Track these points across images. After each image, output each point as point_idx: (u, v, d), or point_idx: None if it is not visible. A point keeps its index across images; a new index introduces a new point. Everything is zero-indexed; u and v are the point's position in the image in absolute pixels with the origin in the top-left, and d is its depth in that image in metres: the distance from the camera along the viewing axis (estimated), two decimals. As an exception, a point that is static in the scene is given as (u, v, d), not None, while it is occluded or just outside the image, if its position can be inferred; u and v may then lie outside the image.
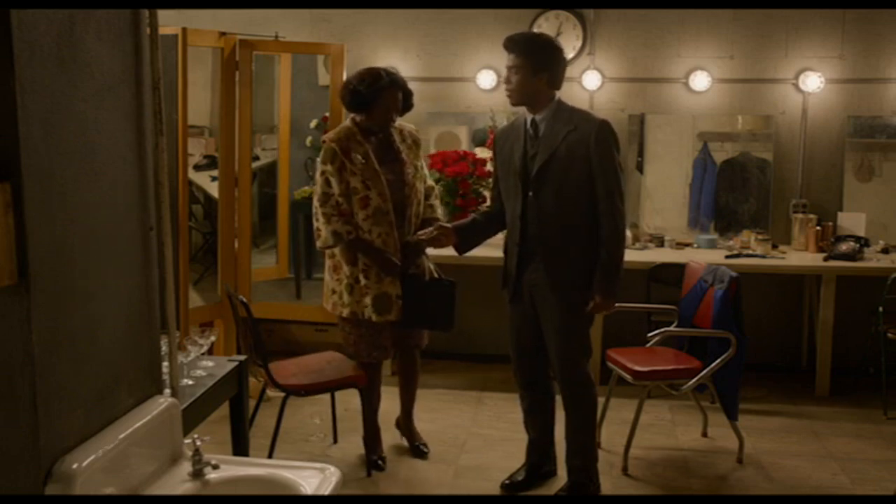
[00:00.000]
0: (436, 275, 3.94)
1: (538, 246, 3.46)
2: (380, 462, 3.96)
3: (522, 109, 3.50)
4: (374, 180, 3.67)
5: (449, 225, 3.69)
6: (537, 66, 3.36)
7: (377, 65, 3.89)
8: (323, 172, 3.71)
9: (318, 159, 3.77)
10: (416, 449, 4.07)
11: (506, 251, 3.64)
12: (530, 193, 3.43)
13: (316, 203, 3.74)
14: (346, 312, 3.80)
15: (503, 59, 3.46)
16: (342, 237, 3.68)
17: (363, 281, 3.74)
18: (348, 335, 3.88)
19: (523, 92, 3.39)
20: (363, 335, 3.83)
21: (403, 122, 3.92)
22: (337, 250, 3.79)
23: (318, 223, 3.73)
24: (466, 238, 3.69)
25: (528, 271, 3.52)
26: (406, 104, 3.79)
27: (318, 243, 3.76)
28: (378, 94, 3.66)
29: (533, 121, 3.45)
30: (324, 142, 3.76)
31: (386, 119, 3.72)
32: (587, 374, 3.55)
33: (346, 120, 3.82)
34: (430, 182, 4.02)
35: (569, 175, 3.37)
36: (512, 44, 3.41)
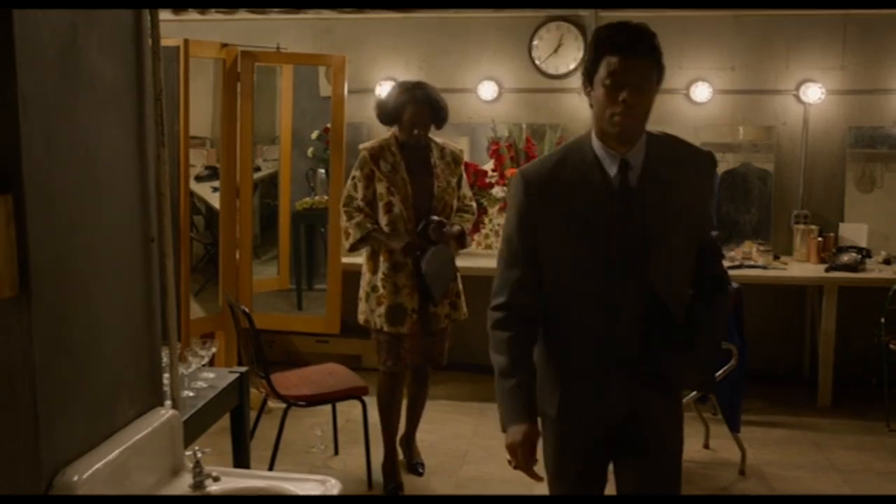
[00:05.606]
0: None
1: (648, 336, 2.18)
2: (398, 491, 3.82)
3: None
4: (398, 188, 3.72)
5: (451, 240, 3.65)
6: (661, 75, 2.20)
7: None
8: (353, 177, 3.81)
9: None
10: (413, 467, 4.05)
11: (565, 364, 2.25)
12: (640, 266, 2.16)
13: (341, 206, 3.84)
14: (361, 319, 3.87)
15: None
16: (365, 227, 3.72)
17: (380, 290, 3.76)
18: (372, 341, 3.90)
19: (647, 117, 2.23)
20: (381, 343, 3.83)
21: (448, 142, 3.95)
22: (363, 257, 3.83)
23: (343, 222, 3.79)
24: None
25: (627, 374, 2.19)
26: (437, 118, 3.77)
27: (347, 243, 3.79)
28: (402, 109, 3.70)
29: (623, 162, 2.22)
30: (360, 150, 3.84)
31: (410, 132, 3.73)
32: None
33: (387, 132, 3.87)
34: (470, 203, 3.97)
35: (684, 233, 2.22)
36: (642, 39, 2.11)
